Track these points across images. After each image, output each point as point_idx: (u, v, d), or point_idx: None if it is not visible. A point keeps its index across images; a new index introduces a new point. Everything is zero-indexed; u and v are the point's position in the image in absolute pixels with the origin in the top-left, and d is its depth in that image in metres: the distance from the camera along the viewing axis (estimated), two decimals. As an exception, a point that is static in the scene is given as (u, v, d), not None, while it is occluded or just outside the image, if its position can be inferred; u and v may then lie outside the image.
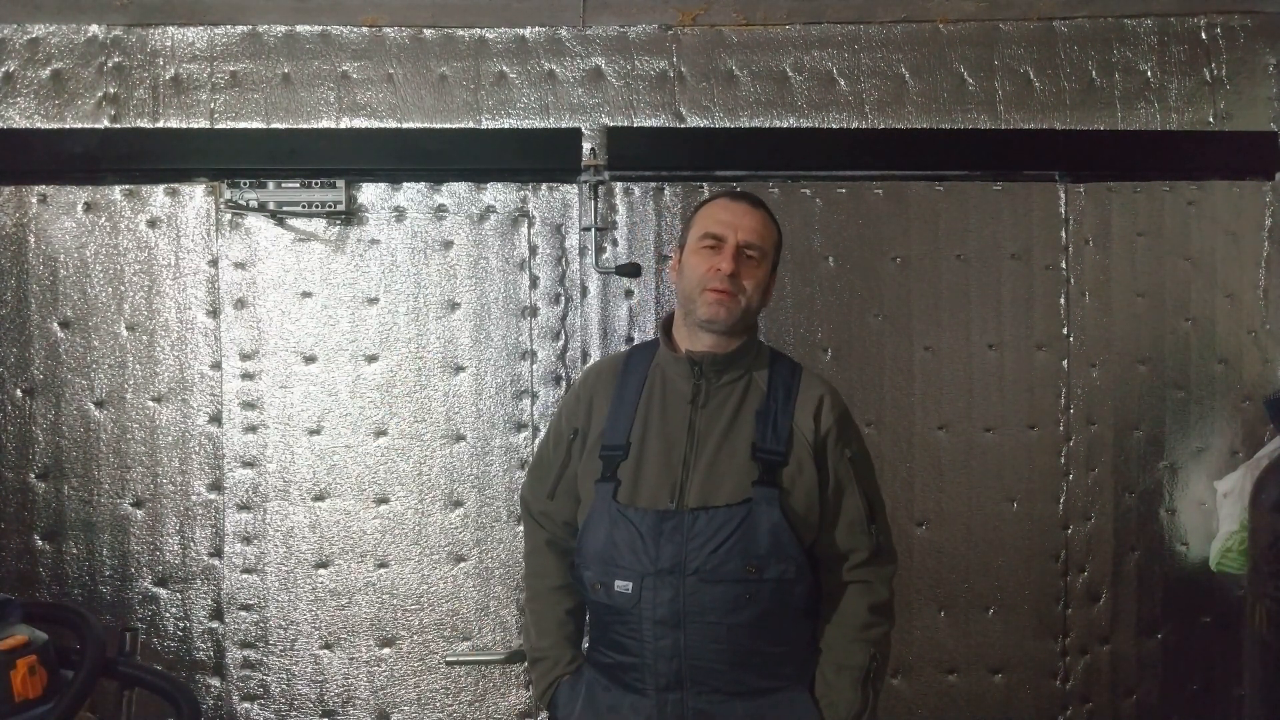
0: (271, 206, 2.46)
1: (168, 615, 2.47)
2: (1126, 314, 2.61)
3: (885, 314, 2.57)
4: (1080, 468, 2.60)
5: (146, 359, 2.48)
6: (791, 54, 2.58)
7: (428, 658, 2.50)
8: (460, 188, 2.53)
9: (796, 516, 1.68)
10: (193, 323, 2.49)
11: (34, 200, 2.47)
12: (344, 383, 2.50)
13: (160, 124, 2.49)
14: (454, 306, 2.52)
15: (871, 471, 1.82)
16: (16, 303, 2.46)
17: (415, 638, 2.50)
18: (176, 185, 2.49)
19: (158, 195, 2.49)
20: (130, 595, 2.46)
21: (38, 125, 2.47)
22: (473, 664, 2.48)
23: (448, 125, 2.51)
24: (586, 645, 1.85)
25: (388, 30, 2.52)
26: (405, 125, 2.51)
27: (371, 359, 2.51)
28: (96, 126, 2.47)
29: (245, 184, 2.45)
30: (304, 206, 2.46)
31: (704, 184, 2.53)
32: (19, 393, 2.46)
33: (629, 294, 2.54)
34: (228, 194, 2.46)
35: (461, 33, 2.53)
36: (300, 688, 2.48)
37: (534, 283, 2.53)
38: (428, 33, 2.53)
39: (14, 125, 2.47)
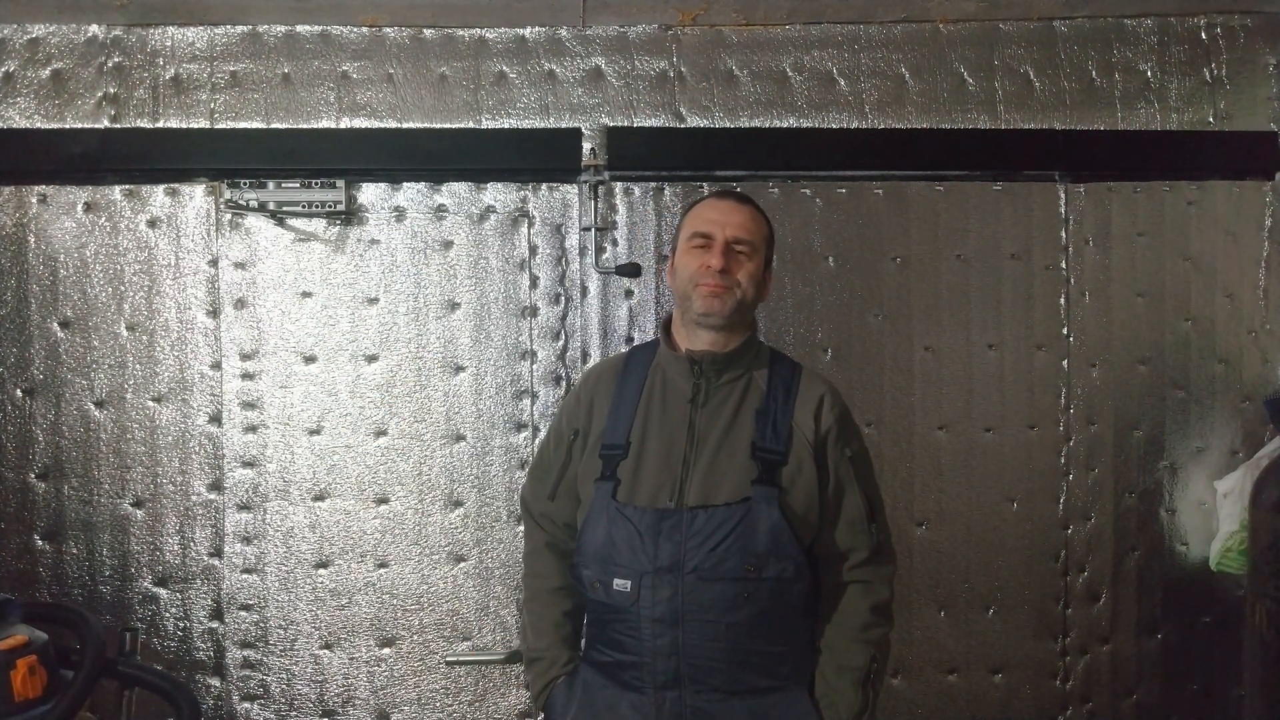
0: (271, 206, 2.46)
1: (168, 615, 2.47)
2: (1126, 314, 2.61)
3: (885, 314, 2.57)
4: (1080, 468, 2.60)
5: (146, 359, 2.48)
6: (791, 54, 2.58)
7: (428, 658, 2.50)
8: (460, 188, 2.53)
9: (796, 516, 1.68)
10: (193, 323, 2.49)
11: (34, 200, 2.47)
12: (344, 383, 2.50)
13: (160, 124, 2.49)
14: (454, 306, 2.52)
15: (871, 471, 1.82)
16: (16, 303, 2.46)
17: (415, 638, 2.50)
18: (176, 185, 2.49)
19: (158, 195, 2.49)
20: (130, 595, 2.47)
21: (38, 125, 2.47)
22: (473, 664, 2.48)
23: (448, 125, 2.51)
24: (584, 645, 1.85)
25: (388, 30, 2.52)
26: (405, 125, 2.52)
27: (371, 359, 2.51)
28: (96, 126, 2.47)
29: (245, 184, 2.45)
30: (304, 206, 2.46)
31: (704, 184, 2.53)
32: (19, 393, 2.46)
33: (629, 294, 2.54)
34: (228, 194, 2.46)
35: (461, 33, 2.53)
36: (300, 688, 2.48)
37: (534, 283, 2.53)
38: (428, 33, 2.53)
39: (14, 125, 2.47)
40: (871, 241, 2.57)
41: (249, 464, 2.48)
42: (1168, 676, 2.61)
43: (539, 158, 2.49)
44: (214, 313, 2.49)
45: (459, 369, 2.52)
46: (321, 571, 2.49)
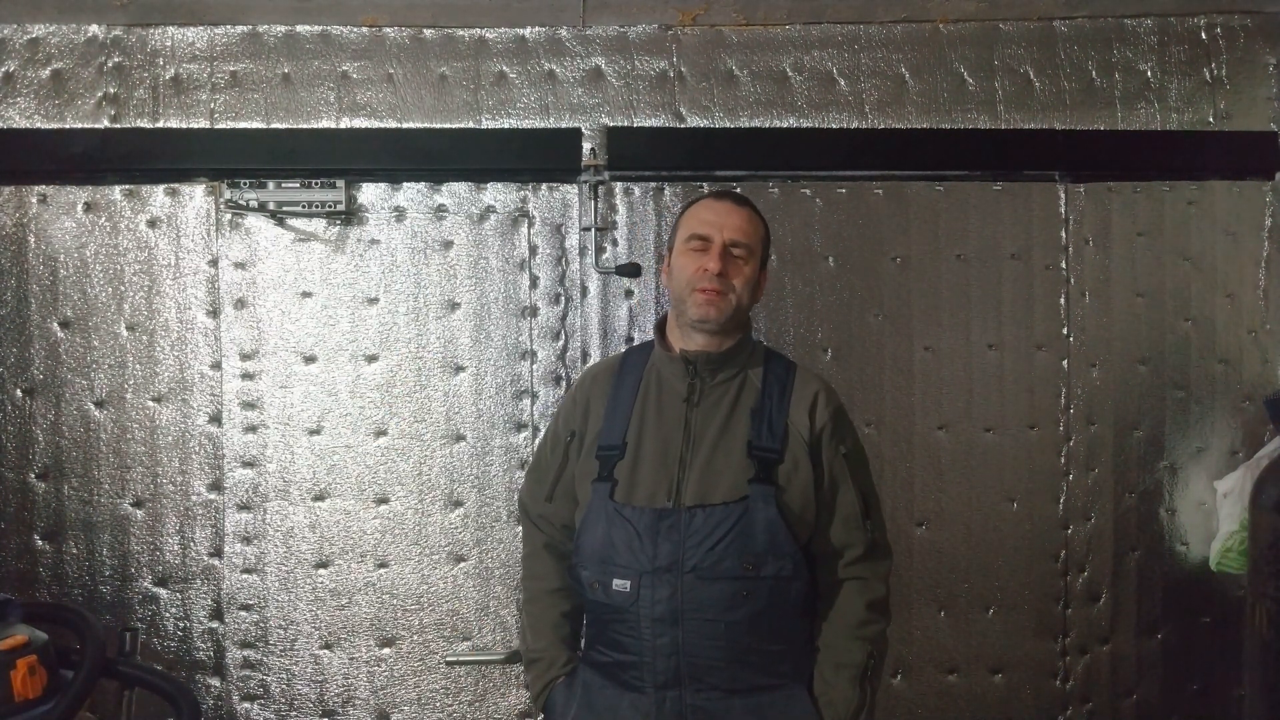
0: (271, 206, 2.46)
1: (168, 615, 2.47)
2: (1126, 314, 2.61)
3: (885, 314, 2.57)
4: (1080, 468, 2.59)
5: (146, 359, 2.48)
6: (791, 54, 2.58)
7: (428, 658, 2.50)
8: (460, 188, 2.53)
9: (792, 514, 1.68)
10: (193, 323, 2.49)
11: (34, 200, 2.47)
12: (344, 383, 2.50)
13: (160, 124, 2.49)
14: (454, 306, 2.52)
15: (866, 467, 1.83)
16: (16, 303, 2.46)
17: (415, 638, 2.50)
18: (176, 185, 2.49)
19: (158, 195, 2.49)
20: (130, 595, 2.47)
21: (38, 125, 2.47)
22: (473, 664, 2.49)
23: (448, 125, 2.51)
24: (584, 646, 1.85)
25: (388, 30, 2.52)
26: (405, 125, 2.52)
27: (371, 359, 2.51)
28: (96, 126, 2.47)
29: (245, 184, 2.45)
30: (304, 206, 2.46)
31: (704, 184, 2.53)
32: (19, 393, 2.46)
33: (629, 294, 2.54)
34: (228, 194, 2.46)
35: (461, 33, 2.53)
36: (300, 688, 2.48)
37: (534, 283, 2.53)
38: (428, 33, 2.53)
39: (14, 125, 2.47)
40: (871, 241, 2.57)
41: (249, 464, 2.48)
42: (1168, 676, 2.61)
43: (539, 158, 2.49)
44: (214, 313, 2.49)
45: (459, 369, 2.52)
46: (321, 571, 2.49)
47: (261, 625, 2.48)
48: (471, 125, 2.52)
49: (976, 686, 2.57)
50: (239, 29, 2.51)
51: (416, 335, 2.51)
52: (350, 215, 2.50)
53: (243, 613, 2.48)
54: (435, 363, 2.51)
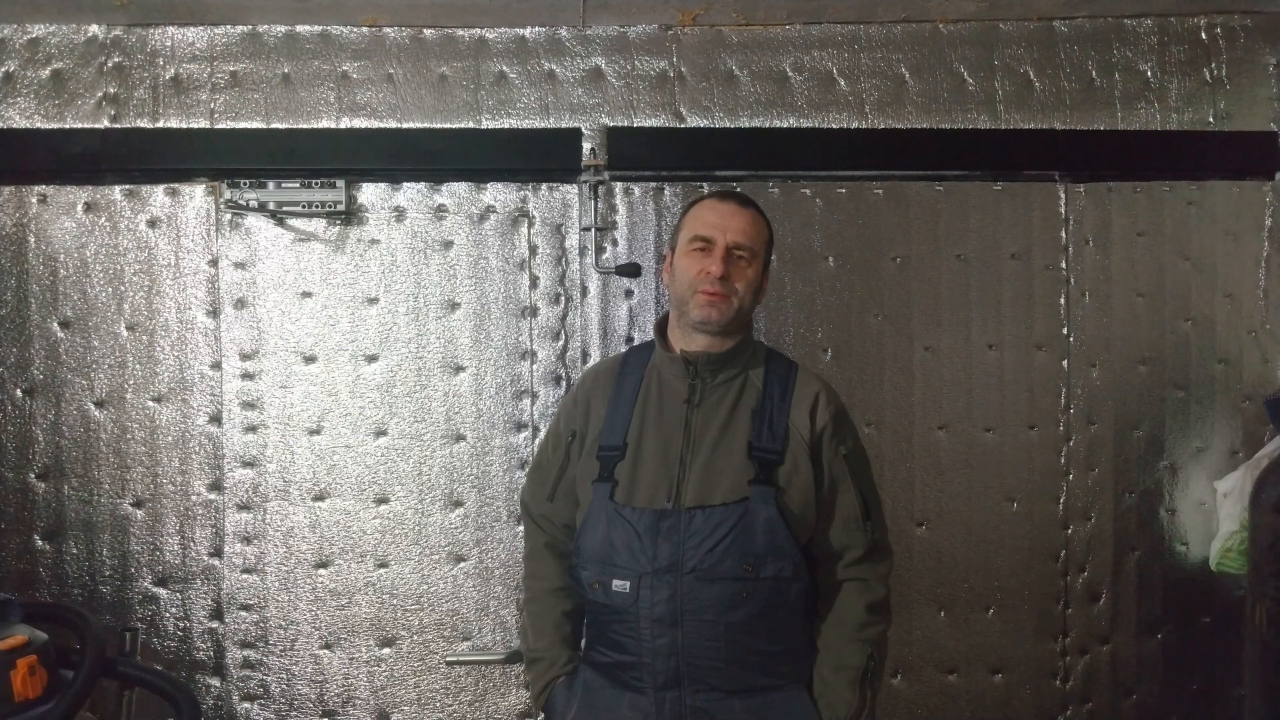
0: (271, 206, 2.46)
1: (168, 615, 2.47)
2: (1126, 314, 2.61)
3: (885, 314, 2.57)
4: (1080, 468, 2.59)
5: (146, 359, 2.48)
6: (791, 54, 2.58)
7: (428, 658, 2.50)
8: (460, 188, 2.53)
9: (793, 515, 1.68)
10: (193, 323, 2.49)
11: (34, 200, 2.47)
12: (344, 383, 2.50)
13: (160, 124, 2.49)
14: (454, 306, 2.52)
15: (867, 468, 1.82)
16: (16, 303, 2.46)
17: (415, 638, 2.50)
18: (176, 185, 2.49)
19: (158, 195, 2.49)
20: (130, 595, 2.47)
21: (38, 125, 2.47)
22: (473, 664, 2.49)
23: (448, 125, 2.51)
24: (584, 646, 1.85)
25: (388, 30, 2.52)
26: (405, 125, 2.52)
27: (371, 359, 2.51)
28: (96, 126, 2.47)
29: (245, 184, 2.45)
30: (304, 206, 2.46)
31: (704, 184, 2.53)
32: (19, 393, 2.46)
33: (629, 294, 2.54)
34: (228, 194, 2.46)
35: (461, 33, 2.53)
36: (300, 688, 2.48)
37: (534, 283, 2.53)
38: (428, 33, 2.53)
39: (14, 125, 2.47)
40: (871, 241, 2.57)
41: (249, 464, 2.48)
42: (1168, 676, 2.61)
43: (539, 158, 2.49)
44: (214, 313, 2.49)
45: (459, 369, 2.52)
46: (321, 571, 2.49)
47: (261, 625, 2.48)
48: (471, 125, 2.52)
49: (976, 686, 2.57)
50: (239, 29, 2.51)
51: (416, 335, 2.51)
52: (350, 215, 2.50)
53: (243, 613, 2.48)
54: (435, 363, 2.51)
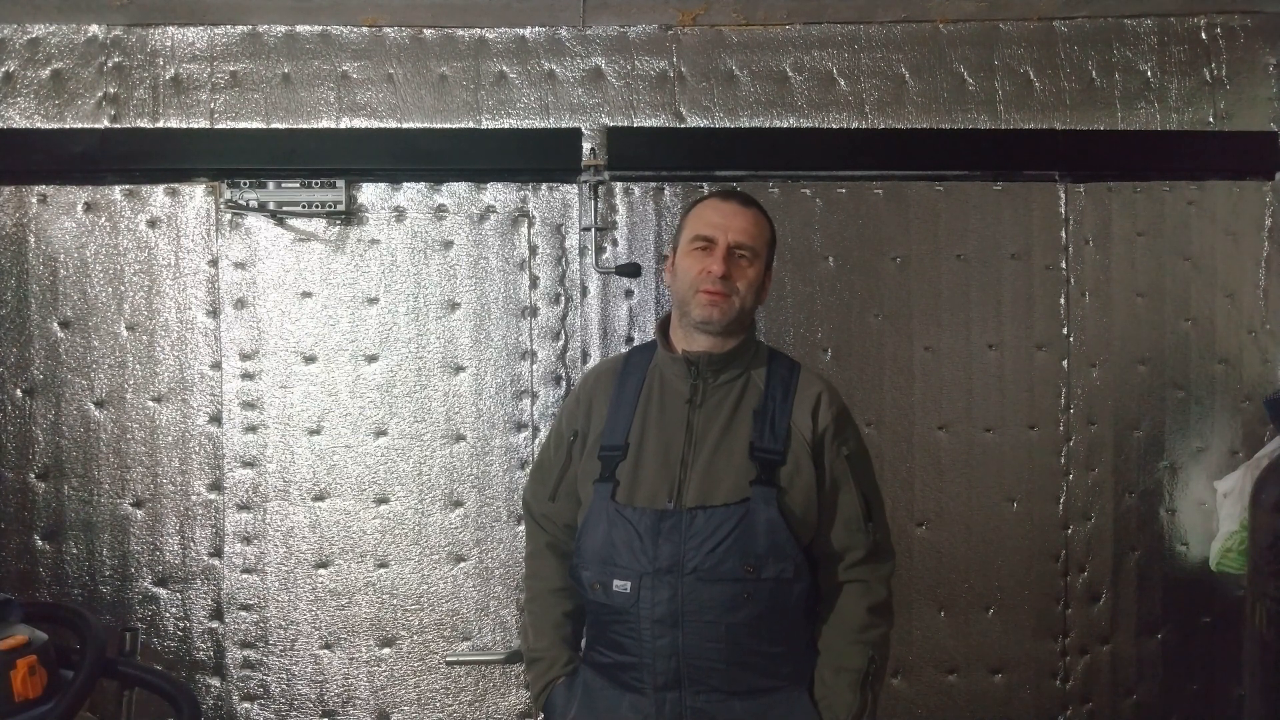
0: (271, 206, 2.46)
1: (168, 615, 2.47)
2: (1126, 314, 2.61)
3: (885, 314, 2.57)
4: (1080, 468, 2.60)
5: (146, 359, 2.48)
6: (791, 54, 2.58)
7: (428, 658, 2.50)
8: (460, 188, 2.53)
9: (794, 516, 1.68)
10: (193, 323, 2.49)
11: (34, 200, 2.47)
12: (344, 383, 2.50)
13: (160, 124, 2.49)
14: (454, 306, 2.52)
15: (869, 469, 1.82)
16: (16, 303, 2.46)
17: (415, 638, 2.50)
18: (176, 185, 2.49)
19: (158, 195, 2.49)
20: (130, 595, 2.47)
21: (38, 125, 2.47)
22: (473, 664, 2.49)
23: (448, 125, 2.51)
24: (585, 646, 1.85)
25: (388, 30, 2.52)
26: (405, 125, 2.52)
27: (371, 359, 2.51)
28: (96, 126, 2.47)
29: (245, 184, 2.45)
30: (304, 206, 2.46)
31: (704, 184, 2.53)
32: (19, 393, 2.46)
33: (629, 294, 2.54)
34: (228, 194, 2.46)
35: (461, 33, 2.53)
36: (300, 688, 2.48)
37: (534, 283, 2.53)
38: (428, 33, 2.53)
39: (14, 125, 2.47)
40: (871, 241, 2.57)
41: (249, 464, 2.48)
42: (1168, 676, 2.61)
43: (539, 158, 2.49)
44: (214, 313, 2.49)
45: (459, 369, 2.52)
46: (321, 571, 2.49)
47: (261, 625, 2.48)
48: (471, 125, 2.52)
49: (976, 686, 2.57)
50: (239, 29, 2.51)
51: (416, 335, 2.51)
52: (350, 215, 2.50)
53: (243, 613, 2.48)
54: (435, 363, 2.51)
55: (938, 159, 2.56)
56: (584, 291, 2.54)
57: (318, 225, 2.51)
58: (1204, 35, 2.63)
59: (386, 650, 2.49)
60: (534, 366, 2.53)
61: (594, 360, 2.50)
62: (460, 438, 2.51)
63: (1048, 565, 2.58)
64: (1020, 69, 2.61)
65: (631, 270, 2.51)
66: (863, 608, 1.72)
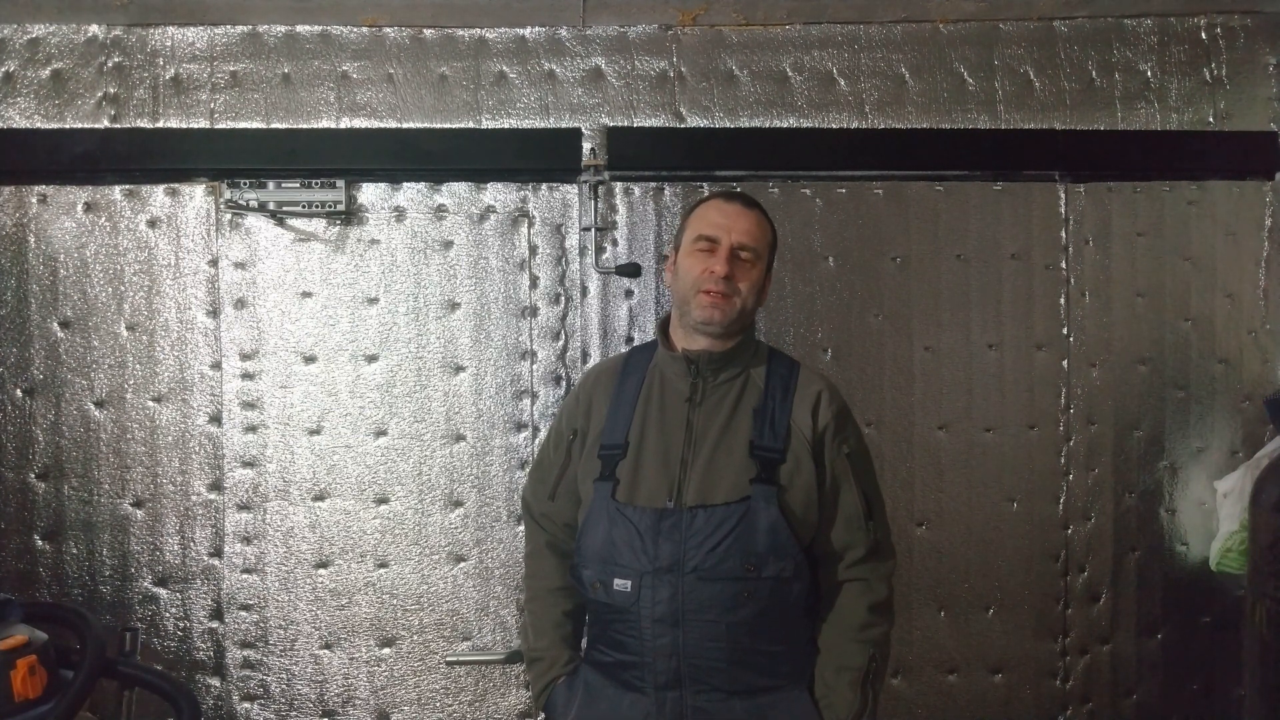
0: (271, 206, 2.46)
1: (168, 615, 2.47)
2: (1126, 314, 2.61)
3: (885, 314, 2.57)
4: (1080, 468, 2.60)
5: (146, 359, 2.48)
6: (791, 54, 2.58)
7: (428, 658, 2.50)
8: (460, 188, 2.53)
9: (794, 514, 1.68)
10: (193, 323, 2.49)
11: (34, 200, 2.47)
12: (344, 383, 2.50)
13: (160, 124, 2.49)
14: (454, 306, 2.52)
15: (870, 468, 1.82)
16: (16, 303, 2.46)
17: (415, 638, 2.50)
18: (176, 185, 2.49)
19: (158, 195, 2.49)
20: (130, 595, 2.47)
21: (38, 125, 2.47)
22: (473, 664, 2.48)
23: (448, 125, 2.51)
24: (585, 645, 1.85)
25: (388, 30, 2.52)
26: (405, 125, 2.52)
27: (371, 359, 2.51)
28: (96, 126, 2.47)
29: (245, 184, 2.45)
30: (304, 206, 2.46)
31: (704, 184, 2.53)
32: (19, 393, 2.46)
33: (629, 294, 2.54)
34: (228, 194, 2.46)
35: (461, 33, 2.53)
36: (300, 688, 2.48)
37: (534, 283, 2.53)
38: (428, 33, 2.53)
39: (14, 125, 2.47)
40: (871, 241, 2.57)
41: (249, 464, 2.48)
42: (1168, 676, 2.61)
43: (539, 158, 2.49)
44: (214, 313, 2.49)
45: (459, 369, 2.52)
46: (321, 571, 2.49)
47: (261, 625, 2.48)
48: (471, 125, 2.52)
49: (976, 686, 2.57)
50: (239, 29, 2.51)
51: (416, 335, 2.51)
52: (350, 215, 2.50)
53: (243, 613, 2.48)
54: (435, 363, 2.51)
55: (938, 159, 2.56)
56: (584, 291, 2.54)
57: (318, 225, 2.51)
58: (1204, 35, 2.63)
59: (386, 650, 2.49)
60: (534, 366, 2.53)
61: (594, 360, 2.50)
62: (460, 438, 2.51)
63: (1048, 565, 2.58)
64: (1020, 69, 2.61)
65: (631, 270, 2.51)
66: (863, 606, 1.72)
